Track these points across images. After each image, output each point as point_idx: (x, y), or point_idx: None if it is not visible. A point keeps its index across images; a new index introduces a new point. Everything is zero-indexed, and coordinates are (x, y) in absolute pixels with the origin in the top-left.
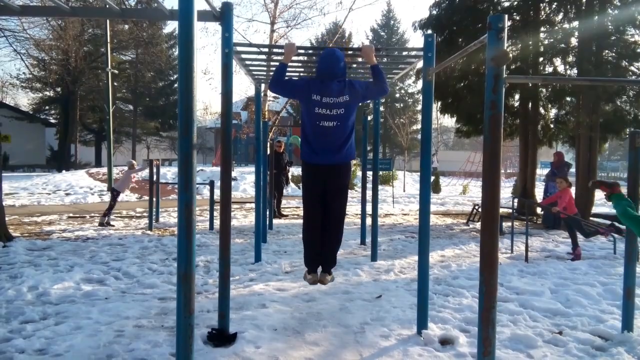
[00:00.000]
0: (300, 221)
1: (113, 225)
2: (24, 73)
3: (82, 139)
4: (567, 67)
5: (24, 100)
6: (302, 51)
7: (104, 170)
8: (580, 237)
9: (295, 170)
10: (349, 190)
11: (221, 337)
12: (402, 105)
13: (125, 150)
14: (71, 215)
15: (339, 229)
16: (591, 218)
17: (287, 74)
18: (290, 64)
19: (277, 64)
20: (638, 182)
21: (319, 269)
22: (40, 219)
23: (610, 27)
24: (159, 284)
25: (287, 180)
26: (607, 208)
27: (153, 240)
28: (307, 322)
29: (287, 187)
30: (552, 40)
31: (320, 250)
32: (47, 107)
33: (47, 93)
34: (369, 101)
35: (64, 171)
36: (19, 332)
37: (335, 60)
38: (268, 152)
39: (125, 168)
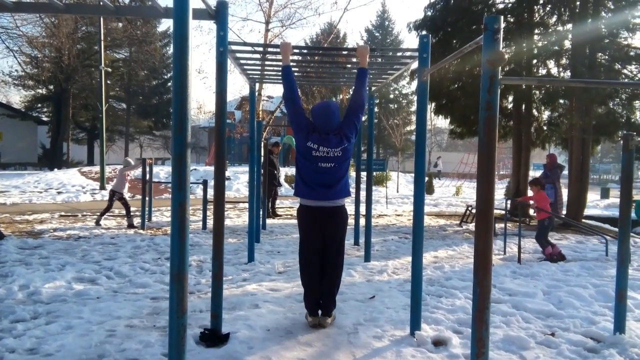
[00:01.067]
0: (293, 221)
1: (100, 225)
2: (16, 70)
3: (74, 137)
4: (561, 69)
5: (16, 97)
6: (297, 51)
7: (97, 168)
8: (577, 239)
9: (289, 170)
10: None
11: (214, 337)
12: (396, 106)
13: (118, 149)
14: (63, 213)
15: (338, 274)
16: (584, 220)
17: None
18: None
19: (272, 63)
20: (631, 184)
21: (319, 312)
22: (32, 217)
23: (603, 30)
24: (151, 283)
25: (278, 182)
26: (599, 210)
27: (145, 240)
28: (300, 323)
29: (281, 188)
30: (545, 42)
31: (320, 294)
32: (39, 105)
33: (40, 91)
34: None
35: (56, 169)
36: (10, 331)
37: (331, 114)
38: (262, 152)
39: (120, 166)
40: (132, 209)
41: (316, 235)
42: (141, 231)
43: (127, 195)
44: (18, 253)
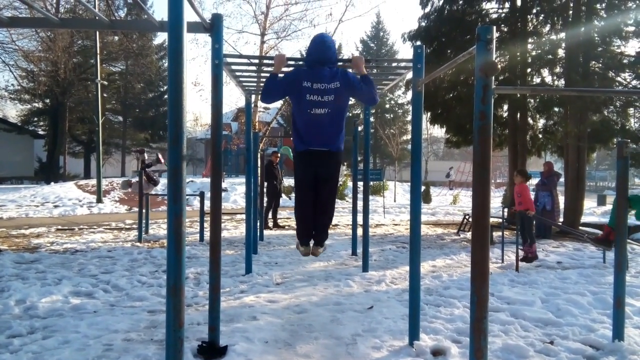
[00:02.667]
0: (291, 232)
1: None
2: (12, 85)
3: (71, 151)
4: (555, 77)
5: (12, 111)
6: (292, 62)
7: (93, 181)
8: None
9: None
10: (340, 201)
11: (211, 350)
12: (392, 115)
13: (115, 162)
14: (59, 227)
15: (330, 211)
16: (581, 228)
17: None
18: (279, 74)
19: (267, 75)
20: (627, 191)
21: (312, 242)
22: (28, 231)
23: (596, 38)
24: (149, 296)
25: (280, 191)
26: (596, 217)
27: (142, 253)
28: (299, 334)
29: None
30: (539, 51)
31: (313, 226)
32: (35, 119)
33: (36, 104)
34: (358, 110)
35: (52, 183)
36: (6, 346)
37: (326, 46)
38: (259, 163)
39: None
40: (128, 221)
41: (310, 175)
42: (138, 244)
43: (115, 207)
44: (14, 267)
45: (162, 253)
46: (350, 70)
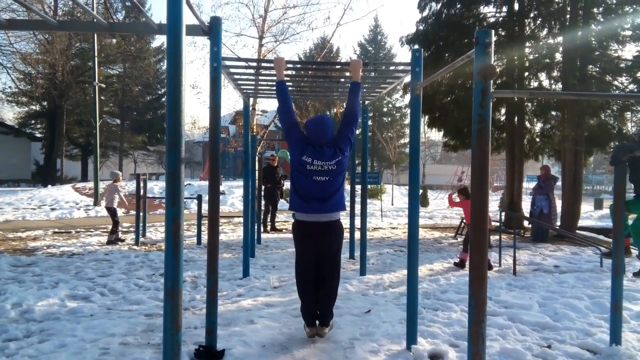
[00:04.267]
0: (289, 235)
1: (123, 240)
2: (9, 87)
3: (68, 154)
4: (552, 81)
5: (10, 114)
6: (290, 66)
7: (90, 184)
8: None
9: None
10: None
11: (209, 354)
12: (389, 119)
13: (112, 165)
14: (56, 230)
15: (334, 285)
16: (578, 231)
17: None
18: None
19: (266, 78)
20: (624, 195)
21: (317, 322)
22: (25, 234)
23: (594, 42)
24: (146, 300)
25: (281, 194)
26: (593, 221)
27: (139, 256)
28: (296, 338)
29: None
30: (537, 55)
31: (316, 305)
32: (33, 122)
33: (33, 107)
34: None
35: (49, 186)
36: (2, 350)
37: (325, 128)
38: (257, 166)
39: (110, 181)
40: (125, 224)
41: (311, 249)
42: (135, 247)
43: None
44: (11, 271)
45: (159, 256)
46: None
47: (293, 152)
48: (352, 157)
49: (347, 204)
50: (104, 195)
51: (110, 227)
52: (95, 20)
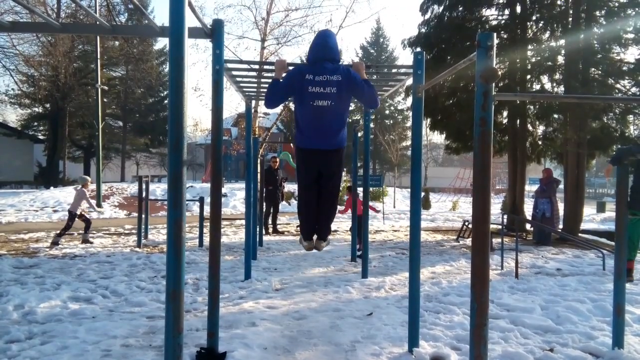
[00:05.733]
0: (291, 238)
1: (92, 242)
2: (12, 89)
3: (70, 155)
4: (554, 84)
5: (12, 116)
6: (292, 67)
7: (93, 186)
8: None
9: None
10: (340, 207)
11: (210, 356)
12: (391, 121)
13: (115, 167)
14: (59, 232)
15: (333, 206)
16: (580, 234)
17: None
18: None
19: (268, 80)
20: (626, 198)
21: (315, 237)
22: (27, 236)
23: (596, 45)
24: (147, 302)
25: (282, 196)
26: (596, 224)
27: (142, 258)
28: (298, 341)
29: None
30: (539, 58)
31: (315, 222)
32: (35, 123)
33: (36, 109)
34: (358, 116)
35: (52, 188)
36: (4, 352)
37: (329, 41)
38: (259, 168)
39: (79, 186)
40: (127, 227)
41: (312, 174)
42: (137, 249)
43: (84, 210)
44: (13, 272)
45: (161, 258)
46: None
47: (296, 84)
48: (354, 160)
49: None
50: (73, 199)
51: (61, 229)
52: (97, 22)
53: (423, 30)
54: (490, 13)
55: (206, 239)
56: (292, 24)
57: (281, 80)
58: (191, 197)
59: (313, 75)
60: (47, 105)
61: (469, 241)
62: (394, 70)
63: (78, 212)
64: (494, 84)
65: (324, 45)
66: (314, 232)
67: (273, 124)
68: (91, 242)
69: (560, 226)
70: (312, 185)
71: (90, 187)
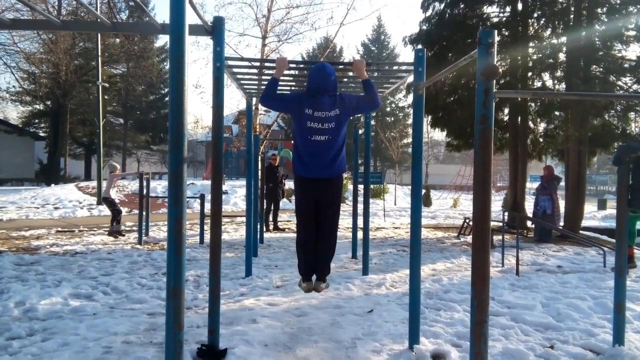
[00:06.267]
0: (292, 235)
1: (124, 235)
2: (13, 87)
3: (71, 153)
4: (556, 81)
5: (14, 113)
6: (293, 65)
7: (94, 183)
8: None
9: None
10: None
11: (211, 353)
12: (392, 119)
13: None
14: (60, 229)
15: (332, 240)
16: (581, 232)
17: (279, 87)
18: (282, 78)
19: (268, 78)
20: (628, 195)
21: (314, 277)
22: (29, 233)
23: (597, 42)
24: (148, 299)
25: (282, 193)
26: (597, 222)
27: (142, 255)
28: (298, 338)
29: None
30: (540, 55)
31: (314, 260)
32: (36, 121)
33: (37, 106)
34: (359, 115)
35: (53, 185)
36: (5, 348)
37: (327, 75)
38: (260, 166)
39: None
40: (128, 223)
41: (311, 201)
42: (138, 246)
43: (116, 199)
44: (14, 269)
45: (162, 255)
46: (351, 73)
47: (294, 110)
48: (355, 157)
49: (350, 204)
50: (105, 186)
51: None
52: (98, 20)
53: (424, 27)
54: (491, 10)
55: (207, 236)
56: (293, 21)
57: (283, 93)
58: (192, 194)
59: (312, 110)
60: (48, 103)
61: (469, 238)
62: (395, 68)
63: (112, 196)
64: (495, 81)
65: (322, 82)
66: (313, 271)
67: (274, 121)
68: (122, 235)
69: (561, 223)
70: (310, 215)
71: (117, 173)
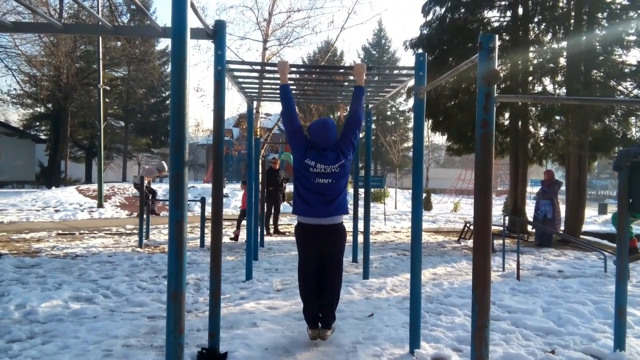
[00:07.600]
0: (292, 238)
1: (158, 214)
2: (14, 89)
3: (72, 155)
4: (556, 86)
5: (15, 116)
6: (294, 69)
7: (94, 186)
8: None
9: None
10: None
11: (211, 356)
12: (393, 123)
13: (116, 167)
14: (60, 232)
15: (336, 289)
16: (582, 236)
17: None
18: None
19: (269, 81)
20: (628, 200)
21: (319, 324)
22: (29, 235)
23: (598, 47)
24: (149, 302)
25: (283, 197)
26: (597, 226)
27: (143, 258)
28: (299, 341)
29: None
30: (541, 59)
31: (319, 307)
32: (37, 123)
33: (38, 109)
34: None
35: (53, 187)
36: (5, 351)
37: (328, 131)
38: (260, 169)
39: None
40: (129, 227)
41: (314, 253)
42: (139, 249)
43: (116, 212)
44: (15, 272)
45: (162, 258)
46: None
47: (297, 155)
48: (355, 161)
49: (350, 207)
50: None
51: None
52: (100, 23)
53: (425, 31)
54: (492, 15)
55: (207, 240)
56: (294, 25)
57: (288, 84)
58: (193, 197)
59: (315, 162)
60: (49, 105)
61: (470, 242)
62: (395, 72)
63: (146, 182)
64: (495, 85)
65: (324, 139)
66: (318, 317)
67: (274, 124)
68: (157, 214)
69: (562, 228)
70: (313, 263)
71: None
